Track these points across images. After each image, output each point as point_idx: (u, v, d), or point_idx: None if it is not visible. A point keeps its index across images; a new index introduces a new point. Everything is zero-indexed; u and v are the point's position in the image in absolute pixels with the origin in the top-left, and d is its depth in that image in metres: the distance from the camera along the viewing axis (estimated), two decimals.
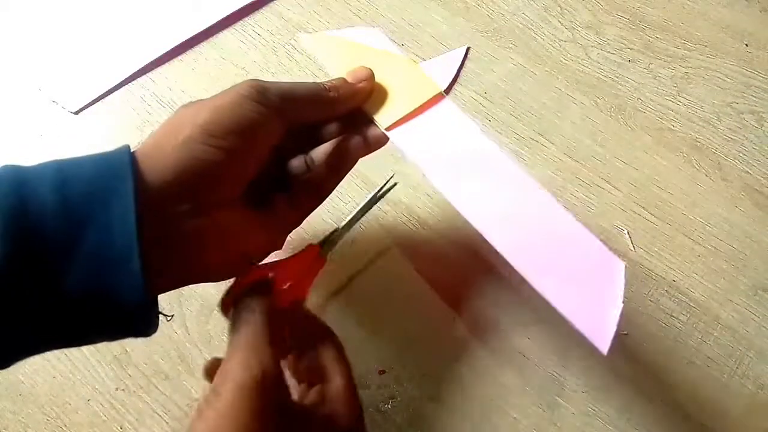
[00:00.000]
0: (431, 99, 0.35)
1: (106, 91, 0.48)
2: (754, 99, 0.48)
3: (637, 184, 0.45)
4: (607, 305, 0.29)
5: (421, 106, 0.35)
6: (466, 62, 0.49)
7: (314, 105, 0.31)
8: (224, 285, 0.30)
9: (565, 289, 0.29)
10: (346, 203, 0.44)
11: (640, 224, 0.43)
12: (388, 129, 0.34)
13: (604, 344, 0.28)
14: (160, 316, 0.27)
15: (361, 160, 0.34)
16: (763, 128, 0.47)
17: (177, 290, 0.40)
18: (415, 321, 0.40)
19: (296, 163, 0.33)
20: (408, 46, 0.50)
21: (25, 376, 0.39)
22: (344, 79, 0.33)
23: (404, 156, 0.33)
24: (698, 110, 0.48)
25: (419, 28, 0.51)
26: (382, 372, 0.39)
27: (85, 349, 0.40)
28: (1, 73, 0.49)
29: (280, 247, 0.32)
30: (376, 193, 0.36)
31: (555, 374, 0.39)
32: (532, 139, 0.46)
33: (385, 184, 0.37)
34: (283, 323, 0.29)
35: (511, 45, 0.50)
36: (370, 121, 0.34)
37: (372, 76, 0.34)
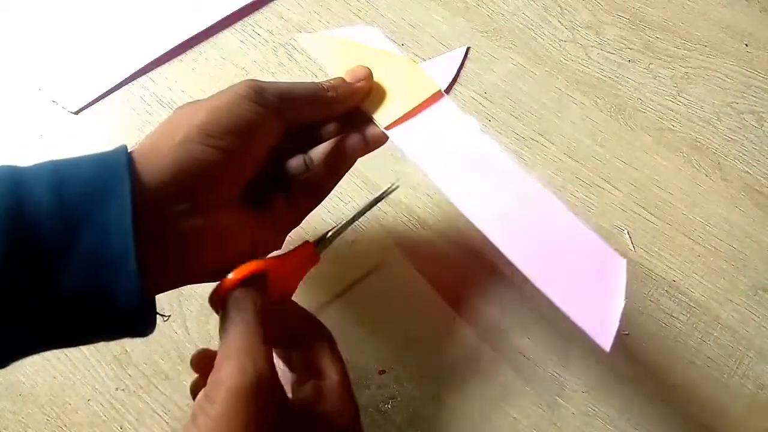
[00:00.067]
0: (430, 98, 0.35)
1: (106, 91, 0.48)
2: (754, 99, 0.48)
3: (637, 184, 0.45)
4: (609, 302, 0.29)
5: (420, 104, 0.35)
6: (466, 62, 0.49)
7: (312, 105, 0.31)
8: None
9: (566, 287, 0.29)
10: (346, 203, 0.44)
11: (640, 224, 0.43)
12: (387, 128, 0.33)
13: (606, 342, 0.28)
14: (158, 316, 0.27)
15: (360, 160, 0.34)
16: (763, 128, 0.47)
17: (177, 290, 0.40)
18: (415, 321, 0.40)
19: (295, 162, 0.33)
20: (408, 46, 0.50)
21: (25, 376, 0.39)
22: (342, 79, 0.33)
23: (404, 155, 0.33)
24: (698, 110, 0.48)
25: (419, 28, 0.51)
26: (382, 372, 0.39)
27: (85, 349, 0.40)
28: (1, 73, 0.49)
29: (279, 247, 0.32)
30: (377, 197, 0.36)
31: (555, 374, 0.39)
32: (532, 139, 0.46)
33: (386, 190, 0.37)
34: (275, 319, 0.28)
35: (511, 45, 0.50)
36: (369, 121, 0.34)
37: (370, 75, 0.34)
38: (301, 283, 0.32)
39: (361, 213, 0.35)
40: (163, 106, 0.48)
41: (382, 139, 0.34)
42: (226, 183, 0.28)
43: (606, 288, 0.29)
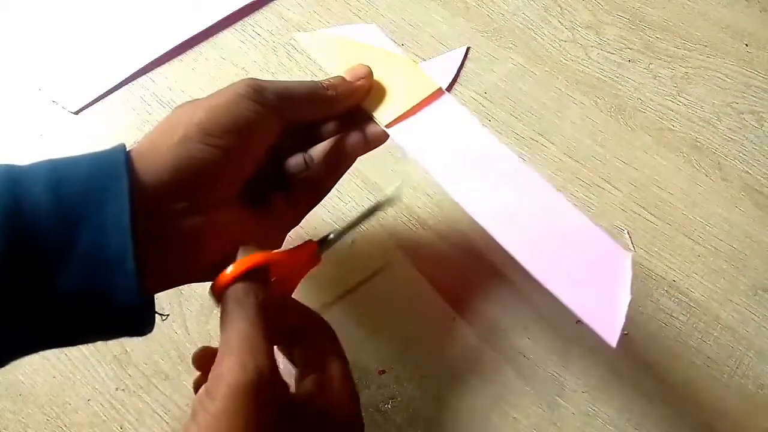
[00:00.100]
0: (431, 95, 0.35)
1: (106, 91, 0.48)
2: (754, 99, 0.48)
3: (637, 184, 0.45)
4: (614, 298, 0.29)
5: (420, 102, 0.34)
6: (466, 62, 0.49)
7: (312, 104, 0.31)
8: None
9: (571, 283, 0.29)
10: (346, 203, 0.44)
11: (640, 224, 0.43)
12: (388, 126, 0.33)
13: (612, 338, 0.27)
14: (156, 315, 0.27)
15: (360, 160, 0.34)
16: (763, 128, 0.47)
17: (177, 290, 0.41)
18: (415, 321, 0.40)
19: (294, 161, 0.33)
20: (408, 46, 0.50)
21: (25, 376, 0.39)
22: (342, 78, 0.33)
23: (405, 153, 0.33)
24: (698, 110, 0.48)
25: (419, 28, 0.51)
26: (382, 372, 0.39)
27: (85, 349, 0.40)
28: (1, 73, 0.49)
29: (279, 247, 0.32)
30: (381, 201, 0.35)
31: (555, 374, 0.39)
32: (532, 139, 0.46)
33: (390, 194, 0.36)
34: (276, 314, 0.28)
35: (511, 45, 0.50)
36: (370, 119, 0.34)
37: (370, 73, 0.34)
38: (301, 283, 0.32)
39: (365, 216, 0.34)
40: (163, 106, 0.48)
41: (382, 138, 0.34)
42: (225, 182, 0.28)
43: (611, 283, 0.29)
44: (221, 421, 0.22)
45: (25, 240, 0.22)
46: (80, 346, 0.40)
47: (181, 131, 0.26)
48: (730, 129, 0.47)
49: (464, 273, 0.42)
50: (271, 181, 0.32)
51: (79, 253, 0.23)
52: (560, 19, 0.52)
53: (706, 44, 0.50)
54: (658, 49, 0.50)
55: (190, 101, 0.28)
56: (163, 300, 0.40)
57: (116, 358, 0.39)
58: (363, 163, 0.34)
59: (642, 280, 0.42)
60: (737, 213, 0.44)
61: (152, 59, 0.49)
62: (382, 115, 0.34)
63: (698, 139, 0.46)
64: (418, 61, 0.37)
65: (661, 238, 0.43)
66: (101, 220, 0.23)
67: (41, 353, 0.39)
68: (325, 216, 0.43)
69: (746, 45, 0.50)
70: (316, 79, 0.32)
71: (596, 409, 0.38)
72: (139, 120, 0.47)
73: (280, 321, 0.29)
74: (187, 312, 0.40)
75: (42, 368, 0.39)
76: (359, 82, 0.33)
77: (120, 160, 0.25)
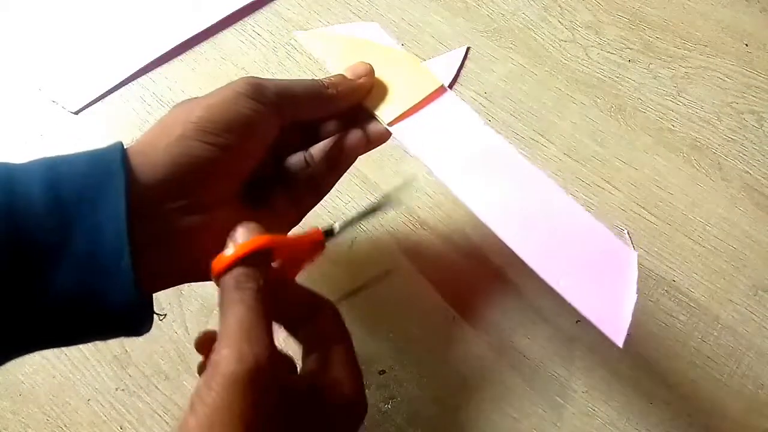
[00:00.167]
0: (433, 93, 0.35)
1: (106, 91, 0.48)
2: (754, 99, 0.48)
3: (637, 184, 0.45)
4: (620, 297, 0.28)
5: (422, 100, 0.34)
6: (466, 62, 0.49)
7: (313, 102, 0.31)
8: None
9: (576, 282, 0.28)
10: (346, 203, 0.44)
11: (640, 224, 0.43)
12: (390, 124, 0.33)
13: (619, 337, 0.27)
14: (154, 315, 0.27)
15: (360, 160, 0.34)
16: (763, 128, 0.47)
17: (177, 290, 0.41)
18: (415, 321, 0.40)
19: (295, 159, 0.33)
20: (408, 46, 0.50)
21: (25, 376, 0.39)
22: (343, 76, 0.33)
23: (407, 151, 0.33)
24: (698, 110, 0.48)
25: (419, 28, 0.51)
26: (382, 372, 0.39)
27: (85, 349, 0.40)
28: (1, 73, 0.49)
29: None
30: (390, 193, 0.35)
31: (555, 374, 0.39)
32: (532, 139, 0.46)
33: (398, 188, 0.35)
34: (278, 300, 0.27)
35: (511, 45, 0.50)
36: (371, 117, 0.33)
37: (372, 71, 0.33)
38: (301, 283, 0.32)
39: (373, 209, 0.33)
40: (163, 106, 0.48)
41: (384, 136, 0.33)
42: (223, 180, 0.27)
43: (617, 282, 0.29)
44: (219, 411, 0.22)
45: (20, 239, 0.22)
46: (80, 346, 0.40)
47: (179, 129, 0.26)
48: (730, 129, 0.47)
49: (464, 273, 0.42)
50: (272, 179, 0.32)
51: (74, 252, 0.23)
52: (560, 19, 0.52)
53: (706, 44, 0.50)
54: (658, 49, 0.50)
55: (188, 99, 0.28)
56: (163, 300, 0.40)
57: (116, 358, 0.39)
58: (363, 164, 0.34)
59: (642, 280, 0.42)
60: (737, 213, 0.44)
61: (152, 59, 0.49)
62: (384, 113, 0.33)
63: (698, 139, 0.46)
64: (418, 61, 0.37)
65: (661, 238, 0.43)
66: (97, 218, 0.23)
67: (41, 353, 0.40)
68: (325, 215, 0.43)
69: (746, 45, 0.50)
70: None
71: (596, 409, 0.38)
72: (139, 120, 0.47)
73: (282, 305, 0.28)
74: (187, 312, 0.40)
75: (42, 368, 0.39)
76: (360, 80, 0.33)
77: (116, 158, 0.24)
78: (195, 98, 0.28)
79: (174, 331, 0.40)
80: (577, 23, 0.51)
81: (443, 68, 0.37)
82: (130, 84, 0.49)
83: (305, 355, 0.28)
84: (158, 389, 0.38)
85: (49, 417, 0.38)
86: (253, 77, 0.28)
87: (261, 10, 0.51)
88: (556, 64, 0.49)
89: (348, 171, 0.34)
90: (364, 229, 0.43)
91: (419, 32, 0.51)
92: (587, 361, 0.39)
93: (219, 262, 0.25)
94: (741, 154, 0.46)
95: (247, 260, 0.25)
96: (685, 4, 0.52)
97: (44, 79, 0.49)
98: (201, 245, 0.27)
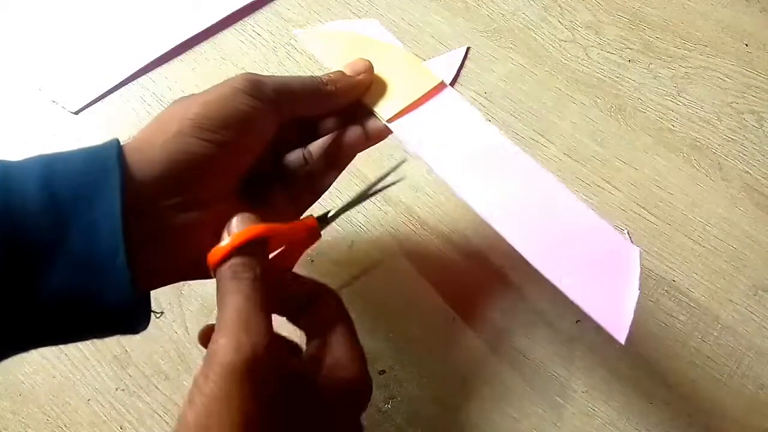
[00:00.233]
0: (432, 89, 0.34)
1: (106, 91, 0.48)
2: (754, 99, 0.48)
3: (637, 184, 0.45)
4: (622, 293, 0.28)
5: (422, 96, 0.34)
6: (466, 62, 0.49)
7: (311, 99, 0.30)
8: None
9: (578, 279, 0.28)
10: (344, 201, 0.44)
11: (640, 224, 0.43)
12: (389, 121, 0.33)
13: (621, 334, 0.27)
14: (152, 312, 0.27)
15: (358, 158, 0.34)
16: (763, 128, 0.47)
17: (177, 290, 0.41)
18: (415, 321, 0.40)
19: (293, 156, 0.33)
20: (408, 46, 0.50)
21: (25, 376, 0.39)
22: (342, 72, 0.32)
23: (407, 148, 0.32)
24: (698, 110, 0.48)
25: (419, 28, 0.51)
26: (382, 372, 0.39)
27: (85, 349, 0.40)
28: (1, 73, 0.49)
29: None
30: (383, 175, 0.34)
31: (555, 374, 0.39)
32: (532, 139, 0.46)
33: (389, 172, 0.34)
34: (276, 287, 0.27)
35: (511, 45, 0.50)
36: (370, 114, 0.33)
37: (371, 68, 0.33)
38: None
39: (366, 194, 0.33)
40: (163, 106, 0.47)
41: (384, 133, 0.33)
42: (220, 177, 0.27)
43: (619, 279, 0.28)
44: (217, 401, 0.22)
45: (16, 237, 0.22)
46: (80, 347, 0.40)
47: (175, 126, 0.26)
48: (730, 129, 0.47)
49: (464, 273, 0.42)
50: (270, 176, 0.32)
51: (70, 250, 0.23)
52: (560, 19, 0.52)
53: (706, 44, 0.50)
54: (658, 49, 0.50)
55: (186, 96, 0.28)
56: (163, 300, 0.40)
57: (116, 358, 0.39)
58: (362, 163, 0.34)
59: (642, 280, 0.41)
60: (737, 213, 0.44)
61: (152, 59, 0.49)
62: (383, 110, 0.33)
63: (698, 139, 0.46)
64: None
65: (661, 238, 0.43)
66: (93, 216, 0.23)
67: (41, 353, 0.40)
68: None
69: (746, 45, 0.50)
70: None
71: (596, 409, 0.38)
72: (139, 120, 0.47)
73: (280, 294, 0.28)
74: (187, 312, 0.40)
75: (42, 368, 0.39)
76: (359, 77, 0.32)
77: (112, 154, 0.24)
78: (192, 95, 0.27)
79: (174, 331, 0.40)
80: (577, 23, 0.51)
81: (443, 68, 0.36)
82: (130, 84, 0.49)
83: (307, 343, 0.28)
84: (158, 389, 0.38)
85: (49, 417, 0.38)
86: (252, 74, 0.28)
87: (261, 10, 0.51)
88: (556, 64, 0.49)
89: (346, 169, 0.34)
90: (364, 228, 0.43)
91: (419, 32, 0.51)
92: (587, 361, 0.39)
93: (215, 253, 0.25)
94: (741, 154, 0.46)
95: (243, 250, 0.25)
96: (685, 4, 0.52)
97: (44, 79, 0.49)
98: (198, 242, 0.26)
